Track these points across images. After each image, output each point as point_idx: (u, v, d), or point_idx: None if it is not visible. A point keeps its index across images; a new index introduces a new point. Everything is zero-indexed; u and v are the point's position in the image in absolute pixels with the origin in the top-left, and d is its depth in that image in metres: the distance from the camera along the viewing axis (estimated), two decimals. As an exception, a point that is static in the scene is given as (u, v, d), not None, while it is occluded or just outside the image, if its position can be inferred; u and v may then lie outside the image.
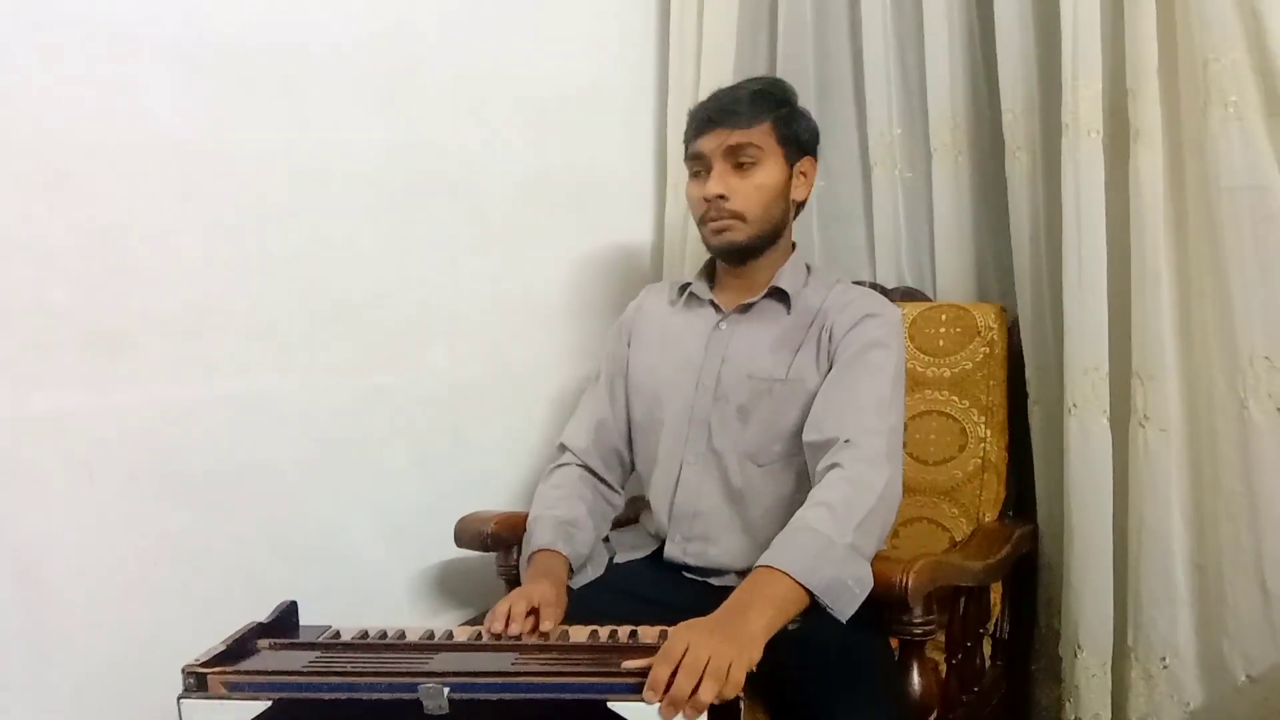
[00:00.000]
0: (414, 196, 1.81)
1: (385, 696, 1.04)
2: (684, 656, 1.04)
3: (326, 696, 1.05)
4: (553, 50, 2.03)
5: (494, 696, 1.04)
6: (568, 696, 1.04)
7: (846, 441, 1.34)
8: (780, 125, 1.52)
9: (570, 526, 1.50)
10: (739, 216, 1.50)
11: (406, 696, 1.03)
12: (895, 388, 1.44)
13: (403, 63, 1.79)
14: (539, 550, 1.47)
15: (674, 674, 1.03)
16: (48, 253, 1.38)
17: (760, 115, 1.50)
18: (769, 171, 1.51)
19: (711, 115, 1.52)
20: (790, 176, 1.54)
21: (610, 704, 1.02)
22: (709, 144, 1.51)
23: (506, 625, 1.25)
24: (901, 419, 1.45)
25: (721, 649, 1.06)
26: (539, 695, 1.04)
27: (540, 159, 2.01)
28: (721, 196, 1.49)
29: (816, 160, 1.59)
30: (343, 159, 1.70)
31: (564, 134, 2.06)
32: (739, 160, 1.50)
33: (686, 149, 1.56)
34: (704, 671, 1.03)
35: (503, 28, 1.94)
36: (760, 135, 1.50)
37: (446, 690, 1.02)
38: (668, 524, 1.55)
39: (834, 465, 1.33)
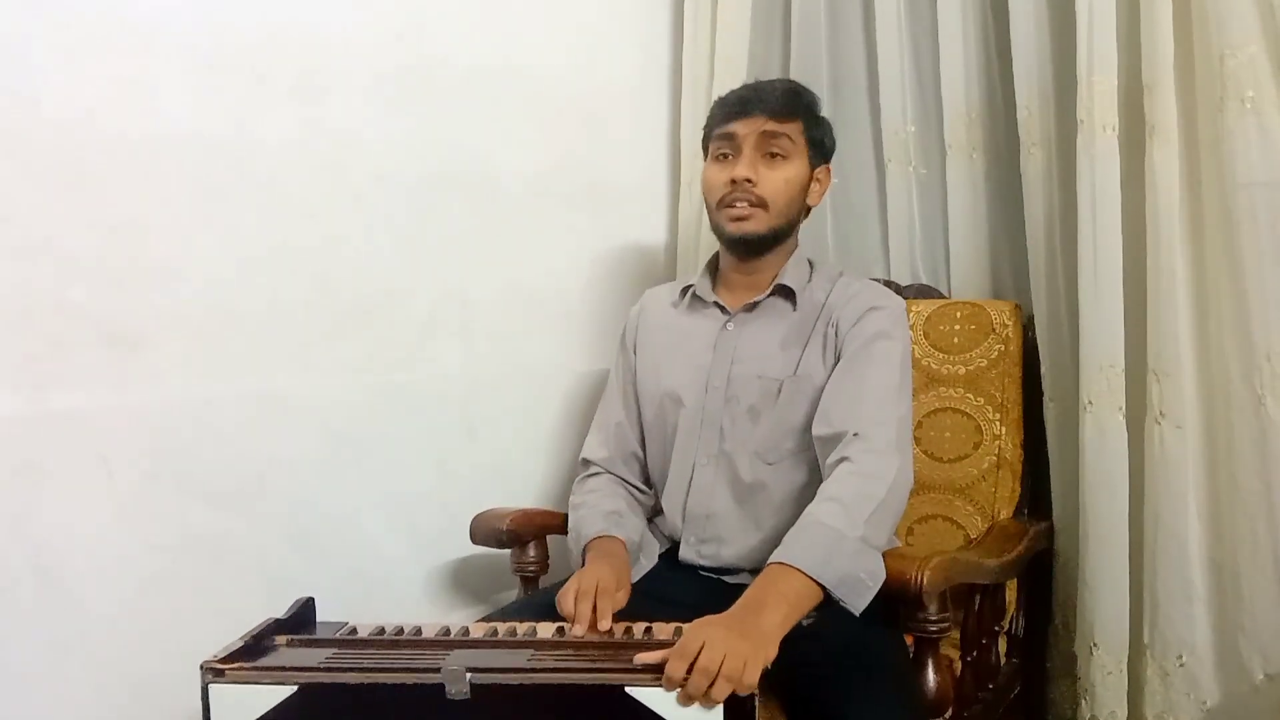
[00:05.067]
0: (428, 194, 1.82)
1: (409, 680, 1.06)
2: (700, 655, 1.04)
3: (352, 681, 1.06)
4: (567, 48, 2.04)
5: (515, 681, 1.06)
6: (587, 680, 1.06)
7: (855, 434, 1.35)
8: (809, 126, 1.52)
9: (617, 515, 1.51)
10: (762, 204, 1.49)
11: (429, 680, 1.05)
12: (902, 377, 1.45)
13: (418, 61, 1.79)
14: (595, 538, 1.46)
15: (689, 671, 1.04)
16: (66, 251, 1.39)
17: (794, 112, 1.51)
18: (796, 168, 1.51)
19: (748, 100, 1.51)
20: (810, 179, 1.54)
21: (628, 689, 1.04)
22: (744, 127, 1.49)
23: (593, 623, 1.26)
24: (910, 408, 1.45)
25: (737, 648, 1.06)
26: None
27: (554, 156, 2.01)
28: (749, 180, 1.48)
29: (830, 169, 1.59)
30: (358, 157, 1.71)
31: (578, 132, 2.06)
32: (771, 150, 1.49)
33: (711, 133, 1.55)
34: (719, 671, 1.04)
35: (517, 25, 1.94)
36: (793, 130, 1.50)
37: (469, 676, 1.04)
38: (681, 526, 1.54)
39: (843, 459, 1.33)
